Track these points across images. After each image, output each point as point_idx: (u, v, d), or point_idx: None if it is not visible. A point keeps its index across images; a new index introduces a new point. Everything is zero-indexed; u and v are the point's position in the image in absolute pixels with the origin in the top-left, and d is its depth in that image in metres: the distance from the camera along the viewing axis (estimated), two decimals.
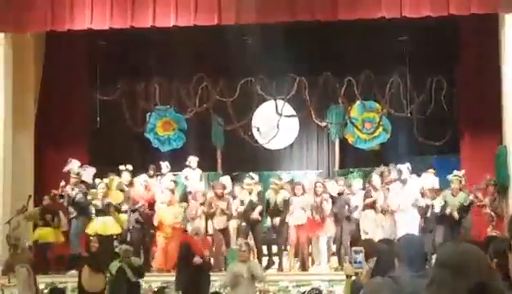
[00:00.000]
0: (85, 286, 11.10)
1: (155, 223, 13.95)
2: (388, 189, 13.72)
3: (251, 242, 12.87)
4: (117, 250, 12.25)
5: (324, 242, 13.61)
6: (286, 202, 13.61)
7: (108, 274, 11.25)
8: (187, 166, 15.29)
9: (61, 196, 14.17)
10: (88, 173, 14.66)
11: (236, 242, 13.39)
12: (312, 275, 12.97)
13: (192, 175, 15.15)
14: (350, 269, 6.87)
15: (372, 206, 13.63)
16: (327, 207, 13.51)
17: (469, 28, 14.96)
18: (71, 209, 14.01)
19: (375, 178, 13.85)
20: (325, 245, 13.60)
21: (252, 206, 13.62)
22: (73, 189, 14.05)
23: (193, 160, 15.29)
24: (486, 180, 13.82)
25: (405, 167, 13.72)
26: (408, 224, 12.89)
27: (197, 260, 11.21)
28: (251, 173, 14.37)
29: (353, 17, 13.38)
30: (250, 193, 13.78)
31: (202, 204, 13.98)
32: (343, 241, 13.53)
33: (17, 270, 11.89)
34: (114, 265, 11.27)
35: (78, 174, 14.38)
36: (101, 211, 13.72)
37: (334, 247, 13.96)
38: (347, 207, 13.68)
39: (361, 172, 15.37)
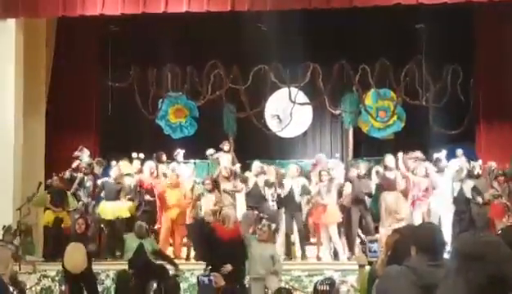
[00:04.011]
0: (66, 265, 10.90)
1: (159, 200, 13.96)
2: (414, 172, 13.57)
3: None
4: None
5: (334, 229, 13.42)
6: (304, 189, 13.49)
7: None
8: (221, 149, 15.29)
9: (70, 179, 14.14)
10: (100, 167, 14.62)
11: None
12: (324, 264, 12.87)
13: (225, 159, 15.12)
14: (363, 258, 6.74)
15: (390, 187, 13.32)
16: (332, 194, 13.36)
17: (485, 15, 14.79)
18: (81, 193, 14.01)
19: (389, 158, 13.56)
20: (334, 232, 13.42)
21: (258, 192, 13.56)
22: (83, 179, 14.09)
23: (226, 144, 15.38)
24: (492, 169, 13.68)
25: (443, 156, 13.53)
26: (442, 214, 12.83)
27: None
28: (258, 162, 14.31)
29: (369, 4, 13.20)
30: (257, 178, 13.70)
31: (213, 191, 13.80)
32: (356, 227, 13.39)
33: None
34: (133, 241, 11.17)
35: (90, 165, 14.36)
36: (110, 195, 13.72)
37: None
38: (366, 191, 13.46)
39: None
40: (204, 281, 9.42)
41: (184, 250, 13.81)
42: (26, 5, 13.57)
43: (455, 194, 13.28)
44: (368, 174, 13.75)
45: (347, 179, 13.74)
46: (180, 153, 15.15)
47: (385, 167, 13.46)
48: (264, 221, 11.48)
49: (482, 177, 13.62)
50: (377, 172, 13.50)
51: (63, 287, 11.89)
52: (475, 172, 13.63)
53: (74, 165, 14.33)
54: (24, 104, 14.10)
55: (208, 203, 13.55)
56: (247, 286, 10.56)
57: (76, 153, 14.52)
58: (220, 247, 10.29)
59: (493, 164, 13.80)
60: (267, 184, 13.60)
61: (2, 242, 11.61)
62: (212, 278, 9.36)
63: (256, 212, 13.46)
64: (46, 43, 15.32)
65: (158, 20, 14.24)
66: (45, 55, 15.32)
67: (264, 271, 10.25)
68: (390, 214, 12.88)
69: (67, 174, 14.15)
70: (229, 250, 10.17)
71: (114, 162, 14.45)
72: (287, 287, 10.68)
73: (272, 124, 16.66)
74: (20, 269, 12.07)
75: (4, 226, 12.01)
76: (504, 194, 13.24)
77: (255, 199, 13.58)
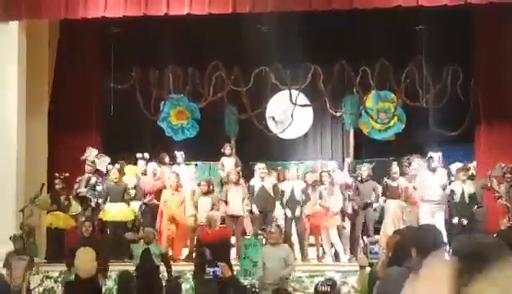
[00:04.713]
0: (77, 269, 10.88)
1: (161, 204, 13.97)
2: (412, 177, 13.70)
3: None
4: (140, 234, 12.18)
5: (334, 232, 13.49)
6: (303, 192, 13.54)
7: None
8: (223, 154, 15.30)
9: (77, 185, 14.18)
10: (102, 162, 14.67)
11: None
12: (325, 266, 12.92)
13: (228, 162, 15.15)
14: (364, 259, 6.79)
15: (393, 195, 13.58)
16: (334, 197, 13.42)
17: (485, 17, 14.81)
18: (91, 197, 14.04)
19: (393, 166, 13.76)
20: (335, 235, 13.48)
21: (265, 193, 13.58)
22: (90, 178, 14.13)
23: (228, 147, 15.37)
24: (502, 167, 13.66)
25: (436, 156, 13.62)
26: (433, 216, 12.92)
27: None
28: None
29: (369, 6, 13.23)
30: (263, 180, 13.74)
31: (208, 193, 13.85)
32: (359, 230, 13.46)
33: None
34: (139, 247, 11.20)
35: (93, 162, 14.41)
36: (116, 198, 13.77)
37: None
38: (373, 194, 13.59)
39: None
40: (209, 272, 9.40)
41: (185, 251, 13.85)
42: (28, 7, 13.60)
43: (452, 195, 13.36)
44: (371, 175, 13.86)
45: (351, 184, 13.82)
46: (178, 155, 15.18)
47: (389, 176, 13.60)
48: (273, 223, 11.50)
49: (478, 179, 13.68)
50: (386, 184, 13.65)
51: None
52: (469, 173, 13.68)
53: (78, 179, 14.34)
54: (27, 104, 14.14)
55: (204, 206, 13.58)
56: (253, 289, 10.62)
57: (85, 156, 14.57)
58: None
59: (502, 164, 13.77)
60: (275, 190, 13.66)
61: (15, 253, 11.64)
62: (216, 269, 9.36)
63: (258, 213, 13.54)
64: (48, 44, 15.38)
65: (159, 21, 14.26)
66: (47, 56, 15.36)
67: (274, 276, 10.18)
68: (393, 222, 12.94)
69: (84, 190, 14.14)
70: (214, 250, 10.22)
71: (110, 166, 14.49)
72: (288, 288, 10.71)
73: (272, 126, 16.70)
74: None
75: (10, 237, 11.96)
76: (509, 194, 13.23)
77: (262, 203, 13.62)
